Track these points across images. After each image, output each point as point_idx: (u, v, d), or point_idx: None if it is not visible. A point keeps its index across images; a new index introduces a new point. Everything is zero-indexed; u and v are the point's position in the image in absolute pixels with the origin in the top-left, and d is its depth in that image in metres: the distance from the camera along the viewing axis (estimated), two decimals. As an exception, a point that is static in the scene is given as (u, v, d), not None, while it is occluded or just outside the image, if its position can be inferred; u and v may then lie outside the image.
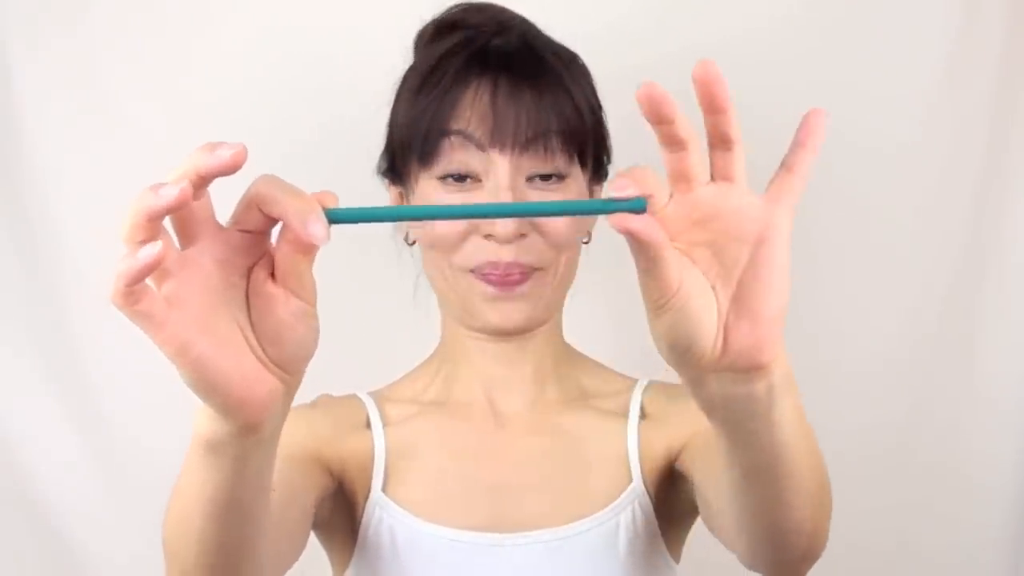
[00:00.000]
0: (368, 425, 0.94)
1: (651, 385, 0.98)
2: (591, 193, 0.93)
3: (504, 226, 0.84)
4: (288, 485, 0.78)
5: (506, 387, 0.94)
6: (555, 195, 0.87)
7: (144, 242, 0.47)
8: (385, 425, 0.94)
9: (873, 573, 1.32)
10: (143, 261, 0.47)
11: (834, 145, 1.27)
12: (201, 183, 0.48)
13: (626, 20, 1.25)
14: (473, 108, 0.85)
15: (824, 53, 1.28)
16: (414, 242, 0.94)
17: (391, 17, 1.27)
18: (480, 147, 0.85)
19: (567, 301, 0.97)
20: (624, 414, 0.95)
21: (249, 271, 0.53)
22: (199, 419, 0.56)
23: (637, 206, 0.51)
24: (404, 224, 0.94)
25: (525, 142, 0.85)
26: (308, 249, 0.51)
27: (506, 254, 0.85)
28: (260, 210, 0.50)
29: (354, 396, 0.97)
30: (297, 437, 0.84)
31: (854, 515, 1.31)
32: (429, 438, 0.93)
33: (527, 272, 0.87)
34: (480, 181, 0.86)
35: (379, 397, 0.97)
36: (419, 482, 0.91)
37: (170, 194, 0.47)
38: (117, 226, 0.47)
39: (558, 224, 0.87)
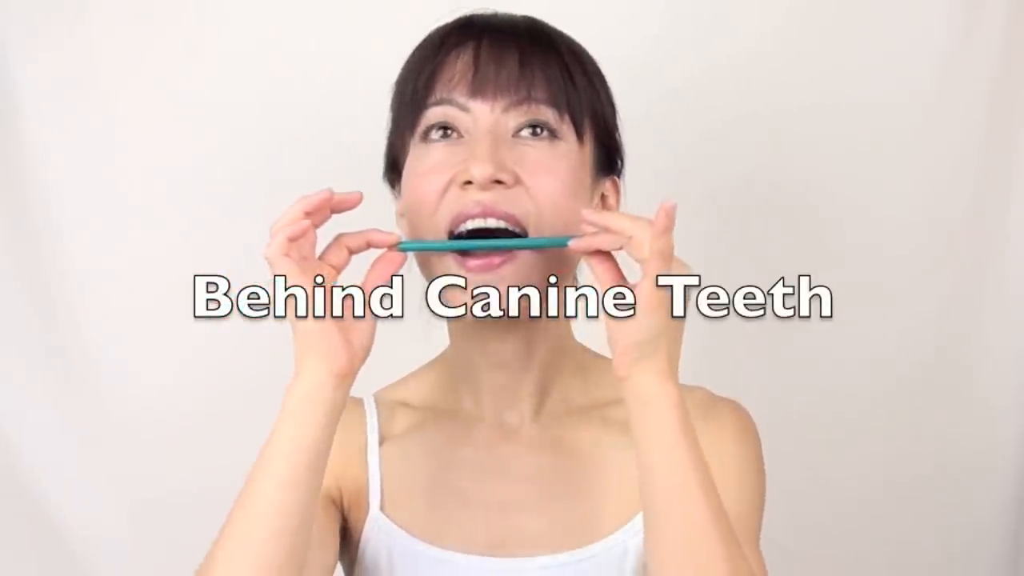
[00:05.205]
0: (367, 442, 0.91)
1: None
2: (597, 184, 0.88)
3: (481, 169, 0.79)
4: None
5: (511, 395, 0.89)
6: (544, 152, 0.82)
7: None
8: (385, 440, 0.91)
9: (874, 573, 1.32)
10: (304, 225, 0.72)
11: (835, 145, 1.29)
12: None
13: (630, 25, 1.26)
14: (456, 64, 0.83)
15: (824, 54, 1.28)
16: None
17: (391, 17, 1.27)
18: (463, 102, 0.82)
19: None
20: None
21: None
22: (296, 383, 0.73)
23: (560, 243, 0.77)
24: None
25: (507, 90, 0.82)
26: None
27: (486, 199, 0.80)
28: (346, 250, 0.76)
29: (358, 404, 0.93)
30: None
31: (854, 515, 1.32)
32: (430, 454, 0.90)
33: (507, 220, 0.81)
34: (463, 136, 0.83)
35: (385, 402, 0.94)
36: (418, 501, 0.88)
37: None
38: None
39: (544, 177, 0.82)
